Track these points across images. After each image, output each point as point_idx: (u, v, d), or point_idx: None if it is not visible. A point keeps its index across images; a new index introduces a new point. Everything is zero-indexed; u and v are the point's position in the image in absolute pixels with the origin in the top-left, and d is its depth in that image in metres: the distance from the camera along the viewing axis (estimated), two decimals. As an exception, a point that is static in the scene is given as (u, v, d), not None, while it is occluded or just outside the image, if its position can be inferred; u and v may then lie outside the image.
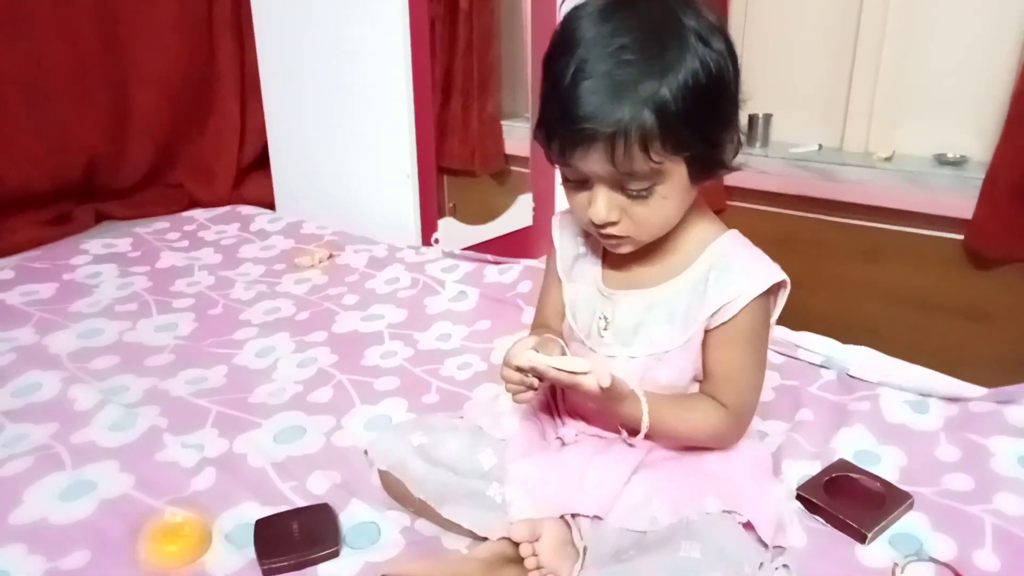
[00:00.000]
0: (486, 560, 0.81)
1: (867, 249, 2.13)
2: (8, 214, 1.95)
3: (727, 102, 0.78)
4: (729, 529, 0.77)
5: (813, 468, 0.96)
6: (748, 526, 0.80)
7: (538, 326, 0.98)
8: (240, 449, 1.08)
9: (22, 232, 1.94)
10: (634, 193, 0.77)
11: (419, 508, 0.90)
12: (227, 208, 2.20)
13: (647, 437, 0.84)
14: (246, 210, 2.18)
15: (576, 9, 0.77)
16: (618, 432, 0.88)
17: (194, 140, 2.34)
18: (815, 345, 1.25)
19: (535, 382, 0.82)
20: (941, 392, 1.11)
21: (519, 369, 0.80)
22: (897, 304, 2.10)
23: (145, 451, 1.07)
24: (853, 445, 1.01)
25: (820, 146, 2.25)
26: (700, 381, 0.87)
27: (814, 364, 1.23)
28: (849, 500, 0.89)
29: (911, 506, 0.89)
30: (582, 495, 0.83)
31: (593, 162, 0.75)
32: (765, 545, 0.80)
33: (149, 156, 2.24)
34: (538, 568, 0.78)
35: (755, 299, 0.81)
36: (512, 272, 1.62)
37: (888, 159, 2.12)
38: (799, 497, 0.91)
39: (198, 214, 2.15)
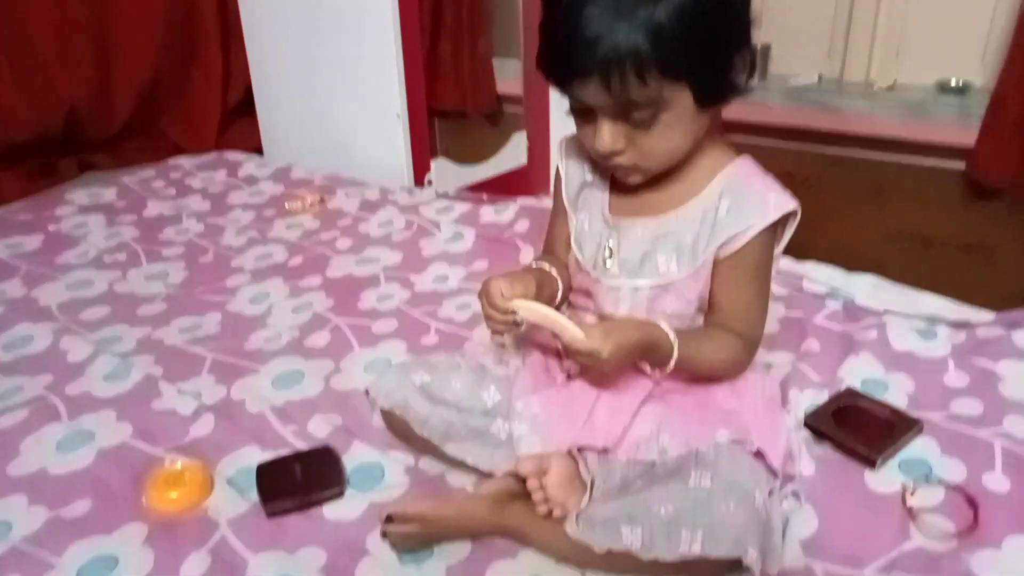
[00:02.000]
0: (492, 497, 0.80)
1: (868, 183, 2.10)
2: (-11, 166, 1.90)
3: (732, 22, 0.74)
4: (739, 458, 0.76)
5: (820, 398, 0.95)
6: (757, 455, 0.79)
7: (545, 254, 0.96)
8: (238, 395, 1.06)
9: (4, 184, 1.89)
10: (638, 121, 0.74)
11: (423, 446, 0.90)
12: (213, 154, 2.14)
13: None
14: (233, 156, 2.12)
15: None
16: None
17: (176, 86, 2.26)
18: (820, 275, 1.23)
19: (519, 318, 0.80)
20: (949, 318, 1.10)
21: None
22: (899, 239, 2.08)
23: (142, 400, 1.06)
24: (860, 374, 0.99)
25: (820, 77, 2.20)
26: (703, 311, 0.85)
27: (819, 295, 1.21)
28: (857, 428, 0.88)
29: (920, 431, 0.89)
30: (590, 429, 0.82)
31: (591, 92, 0.72)
32: (775, 474, 0.79)
33: (131, 104, 2.17)
34: (545, 502, 0.77)
35: (765, 229, 0.79)
36: (508, 211, 1.59)
37: (890, 89, 2.07)
38: (807, 426, 0.90)
39: (184, 161, 2.09)
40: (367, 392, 0.95)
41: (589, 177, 0.90)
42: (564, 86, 0.75)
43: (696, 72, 0.72)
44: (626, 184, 0.84)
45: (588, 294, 0.89)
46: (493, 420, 0.87)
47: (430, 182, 1.95)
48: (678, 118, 0.75)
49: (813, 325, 1.13)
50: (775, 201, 0.79)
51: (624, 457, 0.81)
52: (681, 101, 0.73)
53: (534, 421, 0.84)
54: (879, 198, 2.10)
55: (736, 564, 0.68)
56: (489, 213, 1.60)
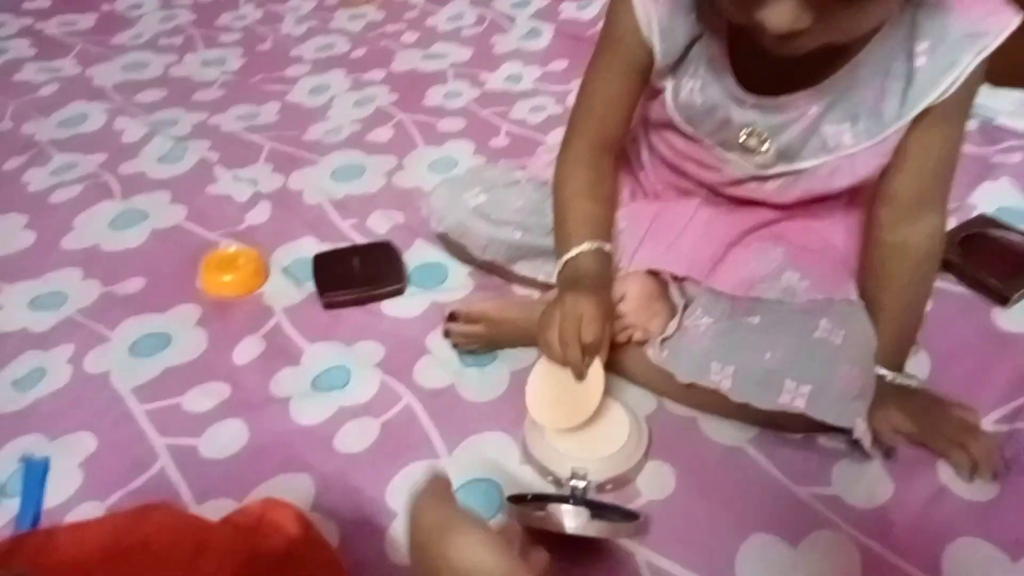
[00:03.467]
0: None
1: None
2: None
3: None
4: (867, 322, 0.64)
5: (947, 224, 0.82)
6: None
7: (591, 144, 0.71)
8: (295, 185, 1.00)
9: (55, -41, 1.78)
10: None
11: (488, 267, 0.81)
12: (272, -63, 1.97)
13: None
14: (293, -61, 1.94)
15: None
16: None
17: None
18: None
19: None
20: (1109, 144, 0.93)
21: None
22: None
23: (196, 184, 1.01)
24: (996, 201, 0.86)
25: None
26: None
27: (951, 113, 1.04)
28: (989, 259, 0.76)
29: (1064, 267, 0.76)
30: (674, 253, 0.71)
31: None
32: None
33: None
34: (624, 328, 0.68)
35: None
36: (593, 7, 1.42)
37: None
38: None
39: (241, -56, 1.93)
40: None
41: (696, 28, 0.61)
42: None
43: None
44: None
45: (709, 167, 0.68)
46: None
47: (506, -25, 1.76)
48: None
49: (942, 146, 0.98)
50: (992, 20, 0.54)
51: (737, 292, 0.67)
52: None
53: (612, 237, 0.74)
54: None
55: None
56: (570, 8, 1.44)
